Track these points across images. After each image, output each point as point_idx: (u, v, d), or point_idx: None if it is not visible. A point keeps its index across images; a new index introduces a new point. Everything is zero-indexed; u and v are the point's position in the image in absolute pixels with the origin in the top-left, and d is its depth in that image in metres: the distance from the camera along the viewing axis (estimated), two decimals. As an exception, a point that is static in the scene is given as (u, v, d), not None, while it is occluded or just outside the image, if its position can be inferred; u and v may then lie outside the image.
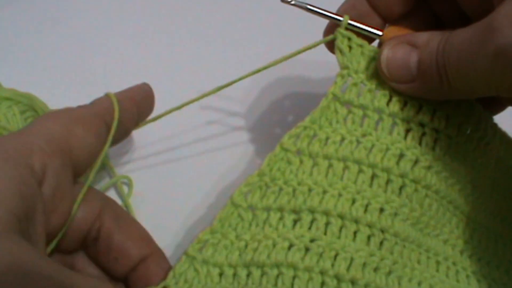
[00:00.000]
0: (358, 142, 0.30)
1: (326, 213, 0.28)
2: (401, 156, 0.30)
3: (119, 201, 0.38)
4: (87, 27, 0.48)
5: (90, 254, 0.30)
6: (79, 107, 0.30)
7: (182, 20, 0.49)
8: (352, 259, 0.28)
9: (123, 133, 0.32)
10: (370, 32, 0.31)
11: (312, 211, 0.29)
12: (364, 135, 0.30)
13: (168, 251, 0.35)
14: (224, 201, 0.29)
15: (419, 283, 0.30)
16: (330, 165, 0.30)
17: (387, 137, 0.30)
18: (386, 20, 0.33)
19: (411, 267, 0.30)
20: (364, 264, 0.28)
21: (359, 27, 0.31)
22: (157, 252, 0.30)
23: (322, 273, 0.27)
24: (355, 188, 0.29)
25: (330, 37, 0.32)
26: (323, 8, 0.32)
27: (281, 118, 0.43)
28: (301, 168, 0.30)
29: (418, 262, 0.30)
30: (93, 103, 0.31)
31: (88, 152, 0.29)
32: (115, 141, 0.32)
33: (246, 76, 0.32)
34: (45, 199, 0.26)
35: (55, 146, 0.27)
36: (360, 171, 0.29)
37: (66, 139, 0.28)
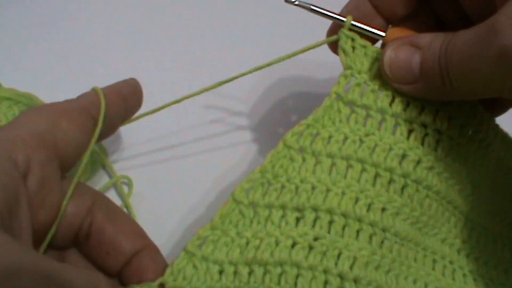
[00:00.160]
0: (361, 141, 0.30)
1: (330, 212, 0.28)
2: (404, 156, 0.30)
3: (119, 201, 0.38)
4: (87, 27, 0.48)
5: (83, 251, 0.30)
6: (65, 101, 0.30)
7: (186, 19, 0.49)
8: (355, 258, 0.28)
9: (110, 127, 0.32)
10: (373, 33, 0.31)
11: (315, 209, 0.28)
12: (367, 135, 0.30)
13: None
14: (225, 200, 0.29)
15: (415, 281, 0.30)
16: (334, 164, 0.30)
17: (390, 137, 0.30)
18: (389, 21, 0.33)
19: (407, 265, 0.30)
20: (367, 263, 0.28)
21: (362, 28, 0.31)
22: (150, 246, 0.30)
23: (325, 271, 0.27)
24: (358, 187, 0.29)
25: (333, 37, 0.32)
26: (327, 8, 0.32)
27: (284, 118, 0.43)
28: (303, 166, 0.30)
29: (415, 260, 0.31)
30: (79, 97, 0.31)
31: (75, 145, 0.29)
32: (103, 136, 0.31)
33: (247, 72, 0.32)
34: (31, 193, 0.26)
35: (39, 139, 0.27)
36: (364, 170, 0.29)
37: (51, 132, 0.27)
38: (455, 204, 0.32)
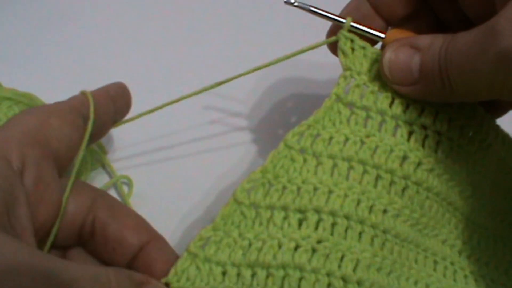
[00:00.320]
0: (362, 142, 0.30)
1: (333, 214, 0.28)
2: (405, 158, 0.30)
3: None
4: (87, 27, 0.48)
5: (89, 250, 0.30)
6: (55, 102, 0.30)
7: (185, 20, 0.49)
8: (358, 260, 0.28)
9: (101, 127, 0.32)
10: (372, 34, 0.31)
11: (318, 211, 0.28)
12: (367, 136, 0.30)
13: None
14: (225, 201, 0.29)
15: (416, 282, 0.30)
16: (335, 165, 0.29)
17: (390, 138, 0.30)
18: (388, 22, 0.33)
19: (408, 267, 0.30)
20: (369, 265, 0.28)
21: (361, 29, 0.31)
22: (157, 237, 0.30)
23: (328, 274, 0.27)
24: (360, 189, 0.29)
25: (332, 38, 0.32)
26: (326, 10, 0.32)
27: (284, 119, 0.43)
28: (305, 166, 0.29)
29: (416, 261, 0.31)
30: (68, 99, 0.31)
31: (67, 143, 0.29)
32: (95, 137, 0.31)
33: (246, 73, 0.32)
34: (28, 190, 0.26)
35: (31, 137, 0.27)
36: (365, 171, 0.29)
37: (42, 130, 0.28)
38: (455, 206, 0.32)
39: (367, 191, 0.29)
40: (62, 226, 0.28)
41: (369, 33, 0.31)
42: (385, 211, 0.29)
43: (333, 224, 0.28)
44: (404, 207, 0.30)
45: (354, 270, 0.27)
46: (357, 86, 0.31)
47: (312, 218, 0.28)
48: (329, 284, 0.27)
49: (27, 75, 0.44)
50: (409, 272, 0.30)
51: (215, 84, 0.33)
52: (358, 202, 0.29)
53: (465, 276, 0.33)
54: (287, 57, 0.32)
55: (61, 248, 0.29)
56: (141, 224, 0.30)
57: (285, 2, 0.32)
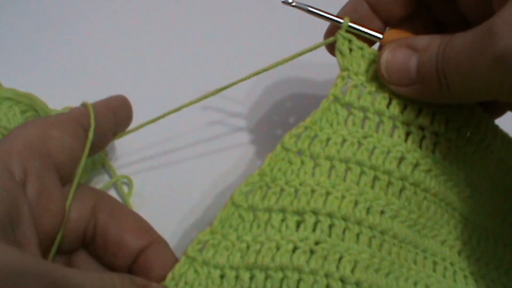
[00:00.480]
0: (360, 143, 0.30)
1: (330, 215, 0.28)
2: (402, 159, 0.30)
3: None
4: (87, 27, 0.48)
5: (92, 253, 0.30)
6: (55, 114, 0.31)
7: (184, 21, 0.49)
8: (356, 261, 0.28)
9: (102, 138, 0.32)
10: (370, 34, 0.31)
11: (316, 212, 0.28)
12: (365, 137, 0.30)
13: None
14: (224, 202, 0.29)
15: (415, 283, 0.30)
16: (333, 166, 0.29)
17: (388, 139, 0.30)
18: (386, 23, 0.33)
19: (407, 267, 0.30)
20: (367, 266, 0.28)
21: (359, 30, 0.31)
22: (158, 240, 0.30)
23: (327, 276, 0.27)
24: (357, 190, 0.29)
25: (330, 39, 0.32)
26: (324, 10, 0.32)
27: (282, 119, 0.43)
28: (302, 168, 0.29)
29: (415, 262, 0.31)
30: (69, 111, 0.31)
31: (69, 153, 0.29)
32: (96, 148, 0.31)
33: (246, 78, 0.32)
34: (31, 201, 0.26)
35: (33, 148, 0.27)
36: (362, 172, 0.29)
37: (43, 141, 0.28)
38: (454, 206, 0.32)
39: (365, 192, 0.29)
40: (66, 232, 0.28)
41: (367, 33, 0.31)
42: (382, 212, 0.29)
43: (331, 226, 0.28)
44: (402, 208, 0.30)
45: (352, 271, 0.27)
46: (355, 86, 0.31)
47: (310, 220, 0.28)
48: (327, 286, 0.27)
49: (27, 75, 0.44)
50: (408, 272, 0.30)
51: (215, 90, 0.33)
52: (356, 204, 0.29)
53: (465, 277, 0.32)
54: (286, 61, 0.32)
55: (66, 253, 0.29)
56: (142, 227, 0.30)
57: (282, 2, 0.32)
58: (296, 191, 0.29)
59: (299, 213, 0.28)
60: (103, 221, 0.29)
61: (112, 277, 0.24)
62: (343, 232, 0.28)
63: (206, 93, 0.33)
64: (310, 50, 0.32)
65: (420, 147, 0.30)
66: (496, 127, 0.33)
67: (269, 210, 0.29)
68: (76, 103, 0.33)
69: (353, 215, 0.28)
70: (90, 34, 0.47)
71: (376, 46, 0.33)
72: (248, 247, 0.28)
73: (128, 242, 0.29)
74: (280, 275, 0.27)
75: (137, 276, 0.27)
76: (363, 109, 0.31)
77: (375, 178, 0.30)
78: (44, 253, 0.27)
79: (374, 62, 0.31)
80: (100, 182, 0.39)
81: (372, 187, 0.29)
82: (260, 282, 0.27)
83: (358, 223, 0.29)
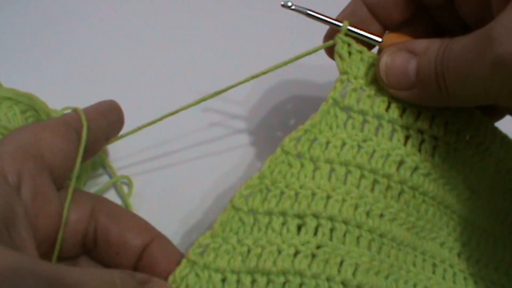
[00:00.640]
0: (360, 147, 0.30)
1: (331, 219, 0.28)
2: (401, 162, 0.30)
3: (119, 201, 0.39)
4: (88, 27, 0.48)
5: (95, 257, 0.30)
6: (47, 119, 0.31)
7: (184, 23, 0.49)
8: (357, 265, 0.28)
9: (94, 142, 0.32)
10: (369, 38, 0.31)
11: (316, 216, 0.28)
12: (364, 140, 0.30)
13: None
14: (224, 204, 0.29)
15: (415, 285, 0.30)
16: (333, 169, 0.29)
17: (387, 143, 0.30)
18: (386, 27, 0.33)
19: (406, 270, 0.30)
20: (368, 269, 0.28)
21: (358, 33, 0.31)
22: (159, 236, 0.30)
23: (328, 279, 0.27)
24: (357, 193, 0.29)
25: (330, 42, 0.32)
26: (324, 13, 0.32)
27: (282, 121, 0.43)
28: (302, 171, 0.29)
29: (414, 264, 0.31)
30: (61, 116, 0.32)
31: (62, 155, 0.29)
32: (89, 152, 0.31)
33: (245, 80, 0.32)
34: (26, 203, 0.26)
35: (25, 151, 0.27)
36: (362, 176, 0.29)
37: (35, 144, 0.28)
38: (453, 209, 0.32)
39: (365, 195, 0.29)
40: (66, 236, 0.28)
41: (366, 37, 0.31)
42: (381, 215, 0.29)
43: (332, 229, 0.28)
44: (400, 211, 0.30)
45: (354, 274, 0.27)
46: (354, 90, 0.31)
47: (311, 223, 0.28)
48: None
49: (27, 75, 0.44)
50: (407, 275, 0.30)
51: (215, 93, 0.33)
52: (356, 207, 0.29)
53: (465, 278, 0.33)
54: (286, 63, 0.32)
55: (68, 259, 0.29)
56: (142, 225, 0.30)
57: (282, 5, 0.32)
58: (296, 194, 0.29)
59: (300, 216, 0.28)
60: (103, 223, 0.29)
61: (112, 273, 0.24)
62: (344, 236, 0.28)
63: (206, 95, 0.33)
64: (309, 53, 0.32)
65: (419, 150, 0.31)
66: (495, 129, 0.33)
67: (269, 213, 0.29)
68: (76, 103, 0.33)
69: (353, 219, 0.28)
70: (90, 35, 0.47)
71: (375, 49, 0.33)
72: (249, 251, 0.28)
73: (130, 240, 0.29)
74: (282, 279, 0.27)
75: (138, 272, 0.27)
76: (363, 112, 0.31)
77: (375, 182, 0.30)
78: (45, 257, 0.27)
79: (373, 65, 0.31)
80: (100, 182, 0.39)
81: (372, 190, 0.29)
82: (261, 286, 0.27)
83: (358, 226, 0.29)
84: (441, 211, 0.32)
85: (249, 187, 0.29)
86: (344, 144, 0.30)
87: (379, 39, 0.31)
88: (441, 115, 0.31)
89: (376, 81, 0.31)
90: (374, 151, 0.30)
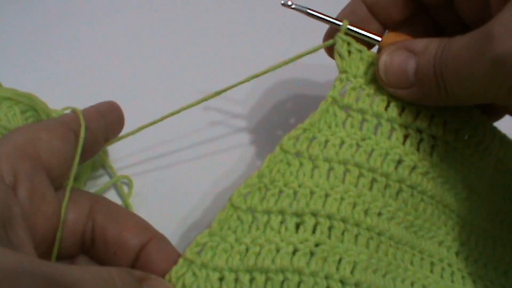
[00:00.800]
0: (358, 145, 0.30)
1: (330, 217, 0.28)
2: (400, 161, 0.30)
3: (119, 201, 0.39)
4: (88, 27, 0.48)
5: (92, 257, 0.30)
6: (45, 120, 0.31)
7: (184, 22, 0.49)
8: (355, 263, 0.28)
9: (93, 143, 0.32)
10: (369, 37, 0.31)
11: (315, 214, 0.28)
12: (363, 139, 0.30)
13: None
14: (224, 203, 0.29)
15: (412, 284, 0.30)
16: (331, 168, 0.29)
17: (386, 141, 0.30)
18: (385, 26, 0.33)
19: (404, 268, 0.30)
20: (366, 267, 0.28)
21: (358, 33, 0.31)
22: (157, 236, 0.29)
23: (327, 277, 0.27)
24: (356, 192, 0.29)
25: (329, 41, 0.32)
26: (324, 12, 0.32)
27: (282, 120, 0.43)
28: (301, 170, 0.29)
29: (411, 263, 0.31)
30: (59, 116, 0.32)
31: (59, 155, 0.29)
32: (87, 152, 0.31)
33: (246, 80, 0.33)
34: (23, 202, 0.26)
35: (22, 151, 0.27)
36: (361, 175, 0.30)
37: (32, 144, 0.28)
38: (451, 208, 0.32)
39: (363, 194, 0.29)
40: (64, 236, 0.28)
41: (365, 36, 0.31)
42: (379, 214, 0.29)
43: (330, 227, 0.28)
44: (398, 210, 0.30)
45: (352, 272, 0.27)
46: (353, 89, 0.31)
47: (309, 221, 0.28)
48: (327, 287, 0.27)
49: (27, 75, 0.44)
50: (405, 273, 0.30)
51: (216, 93, 0.33)
52: (354, 205, 0.29)
53: (463, 278, 0.33)
54: (286, 62, 0.32)
55: (66, 258, 0.29)
56: (140, 224, 0.30)
57: (282, 4, 0.32)
58: (295, 192, 0.29)
59: (299, 214, 0.28)
60: (101, 222, 0.29)
61: (110, 271, 0.24)
62: (342, 234, 0.28)
63: (207, 94, 0.33)
64: (309, 52, 0.32)
65: (418, 149, 0.31)
66: (494, 128, 0.33)
67: (268, 212, 0.29)
68: (76, 103, 0.33)
69: (352, 217, 0.29)
70: (91, 35, 0.48)
71: (375, 49, 0.33)
72: (247, 249, 0.28)
73: (128, 240, 0.29)
74: (280, 277, 0.27)
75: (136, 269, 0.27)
76: (362, 111, 0.31)
77: (373, 180, 0.30)
78: (43, 257, 0.27)
79: (373, 64, 0.31)
80: (100, 182, 0.39)
81: (370, 189, 0.30)
82: (260, 285, 0.27)
83: (357, 224, 0.29)
84: (440, 210, 0.32)
85: (248, 186, 0.29)
86: (343, 142, 0.30)
87: (379, 39, 0.32)
88: (440, 115, 0.31)
89: (376, 80, 0.31)
90: (372, 149, 0.30)
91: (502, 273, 0.34)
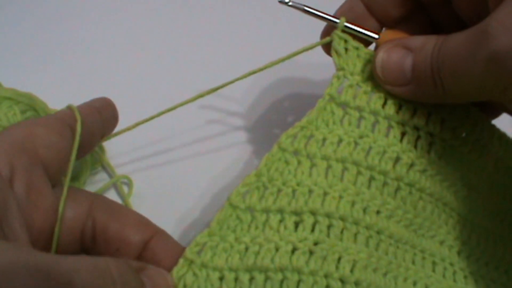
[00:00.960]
0: (356, 143, 0.30)
1: (329, 215, 0.28)
2: (397, 159, 0.30)
3: (119, 201, 0.39)
4: (87, 27, 0.48)
5: (94, 255, 0.30)
6: (42, 116, 0.31)
7: (180, 20, 0.49)
8: (355, 261, 0.28)
9: (89, 138, 0.32)
10: (366, 35, 0.31)
11: (314, 213, 0.28)
12: (361, 137, 0.30)
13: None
14: (222, 202, 0.29)
15: (414, 283, 0.30)
16: (329, 166, 0.29)
17: (383, 139, 0.30)
18: (382, 24, 0.33)
19: (405, 267, 0.30)
20: (366, 266, 0.28)
21: (355, 30, 0.31)
22: (159, 232, 0.29)
23: (326, 276, 0.27)
24: (354, 190, 0.29)
25: (327, 39, 0.32)
26: (321, 10, 0.32)
27: (280, 118, 0.43)
28: (299, 168, 0.29)
29: (413, 262, 0.31)
30: (55, 112, 0.32)
31: (56, 151, 0.29)
32: (84, 148, 0.31)
33: (242, 77, 0.32)
34: (20, 197, 0.26)
35: (18, 146, 0.27)
36: (359, 173, 0.29)
37: (29, 139, 0.28)
38: (451, 206, 0.32)
39: (361, 192, 0.29)
40: (62, 233, 0.28)
41: (362, 33, 0.31)
42: (378, 212, 0.29)
43: (329, 226, 0.28)
44: (397, 208, 0.30)
45: (352, 271, 0.27)
46: (350, 86, 0.31)
47: (308, 220, 0.28)
48: (327, 286, 0.27)
49: (27, 75, 0.44)
50: (407, 272, 0.30)
51: (212, 89, 0.33)
52: (353, 204, 0.29)
53: (465, 277, 0.32)
54: (283, 60, 0.32)
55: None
56: (142, 221, 0.30)
57: (279, 1, 0.32)
58: (293, 191, 0.29)
59: (297, 213, 0.28)
60: (102, 220, 0.29)
61: (107, 261, 0.24)
62: (341, 232, 0.28)
63: (203, 91, 0.33)
64: (307, 49, 0.32)
65: (415, 147, 0.30)
66: (493, 126, 0.33)
67: (267, 210, 0.29)
68: (76, 103, 0.33)
69: (350, 215, 0.28)
70: (90, 34, 0.48)
71: (372, 46, 0.33)
72: (246, 249, 0.28)
73: (130, 236, 0.28)
74: (280, 276, 0.27)
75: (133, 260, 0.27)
76: (359, 108, 0.31)
77: (371, 178, 0.30)
78: None
79: (370, 62, 0.31)
80: (100, 182, 0.39)
81: (368, 187, 0.29)
82: (260, 284, 0.27)
83: (356, 223, 0.29)
84: (440, 209, 0.32)
85: (246, 185, 0.29)
86: (340, 140, 0.30)
87: (376, 36, 0.31)
88: (438, 112, 0.31)
89: (373, 77, 0.31)
90: (370, 147, 0.30)
91: (503, 272, 0.34)
